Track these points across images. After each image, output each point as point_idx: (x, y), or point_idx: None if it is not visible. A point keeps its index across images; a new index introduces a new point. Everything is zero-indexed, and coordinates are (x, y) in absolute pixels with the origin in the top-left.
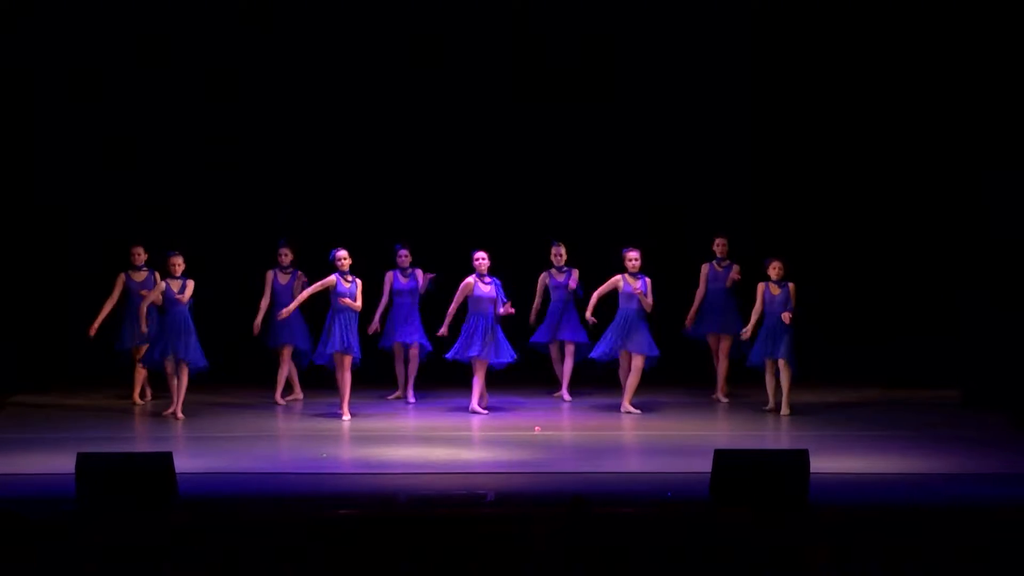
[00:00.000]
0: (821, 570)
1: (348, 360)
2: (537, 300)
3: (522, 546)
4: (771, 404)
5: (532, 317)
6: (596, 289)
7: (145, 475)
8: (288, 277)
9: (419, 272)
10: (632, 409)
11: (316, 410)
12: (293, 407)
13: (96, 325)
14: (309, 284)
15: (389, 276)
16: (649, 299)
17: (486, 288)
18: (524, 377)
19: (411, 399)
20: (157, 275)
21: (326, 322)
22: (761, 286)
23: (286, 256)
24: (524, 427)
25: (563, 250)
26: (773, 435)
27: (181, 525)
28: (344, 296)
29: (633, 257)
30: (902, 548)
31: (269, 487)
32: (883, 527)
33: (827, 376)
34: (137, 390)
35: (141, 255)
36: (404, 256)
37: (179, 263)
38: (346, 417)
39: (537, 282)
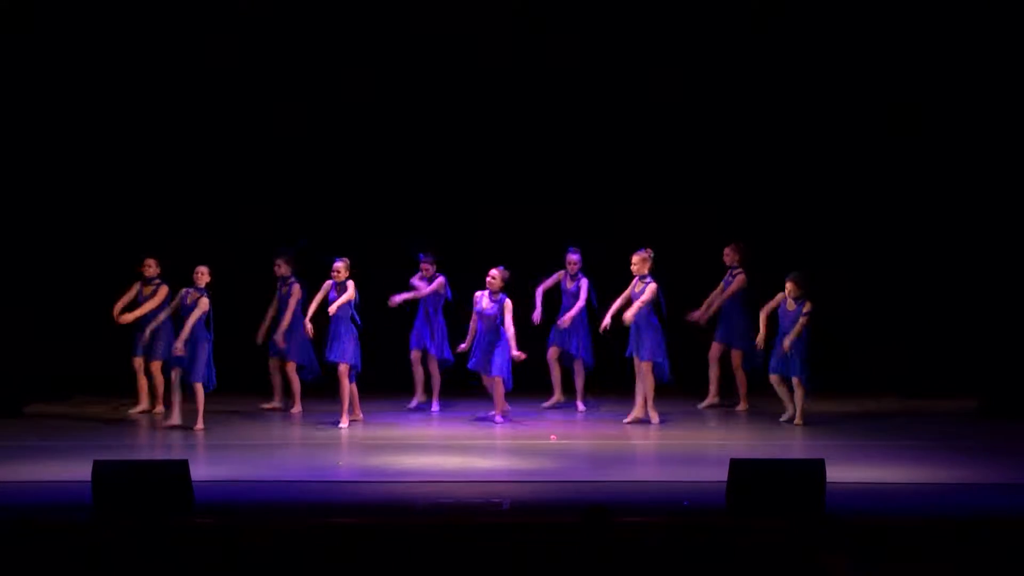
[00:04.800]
0: None
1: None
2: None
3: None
4: (789, 414)
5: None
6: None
7: (161, 483)
8: (286, 289)
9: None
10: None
11: (331, 419)
12: (303, 416)
13: (124, 314)
14: (303, 297)
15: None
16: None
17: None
18: (539, 386)
19: (435, 408)
20: (165, 288)
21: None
22: (780, 296)
23: (279, 267)
24: (540, 436)
25: (577, 257)
26: (789, 444)
27: (197, 533)
28: (331, 303)
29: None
30: (919, 558)
31: (285, 495)
32: (900, 537)
33: (844, 385)
34: (144, 399)
35: (152, 267)
36: (426, 268)
37: (204, 273)
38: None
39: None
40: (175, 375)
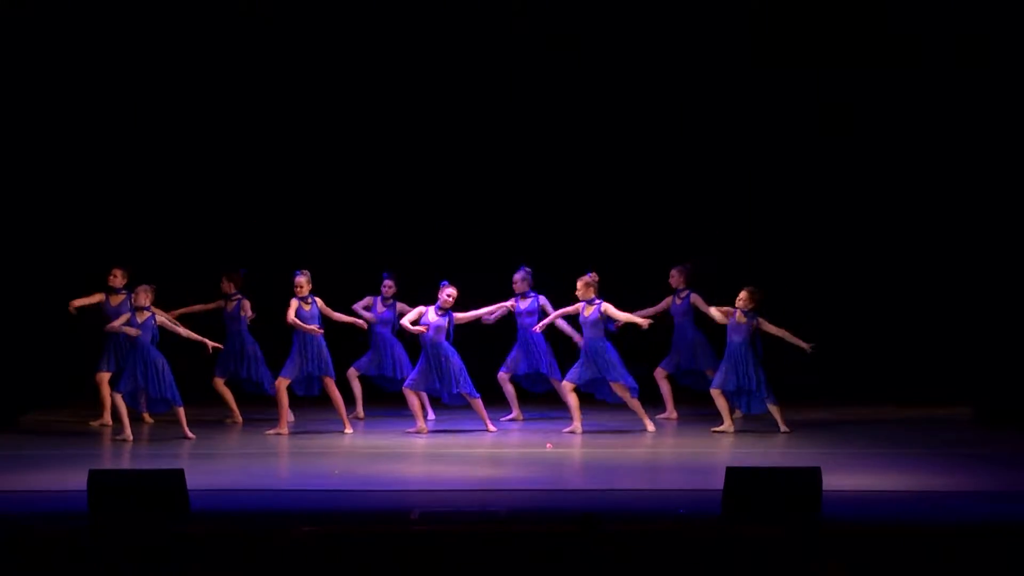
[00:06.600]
0: None
1: (327, 381)
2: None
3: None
4: (725, 426)
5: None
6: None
7: (157, 492)
8: (233, 304)
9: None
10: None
11: (328, 427)
12: (298, 425)
13: (76, 304)
14: (252, 314)
15: (368, 300)
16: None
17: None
18: (535, 395)
19: (431, 414)
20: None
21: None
22: (729, 310)
23: (225, 285)
24: (536, 444)
25: (526, 275)
26: (785, 452)
27: (193, 542)
28: (304, 321)
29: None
30: (915, 566)
31: (281, 504)
32: (896, 545)
33: (839, 393)
34: (107, 412)
35: (119, 278)
36: (388, 286)
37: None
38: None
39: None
40: (119, 397)
